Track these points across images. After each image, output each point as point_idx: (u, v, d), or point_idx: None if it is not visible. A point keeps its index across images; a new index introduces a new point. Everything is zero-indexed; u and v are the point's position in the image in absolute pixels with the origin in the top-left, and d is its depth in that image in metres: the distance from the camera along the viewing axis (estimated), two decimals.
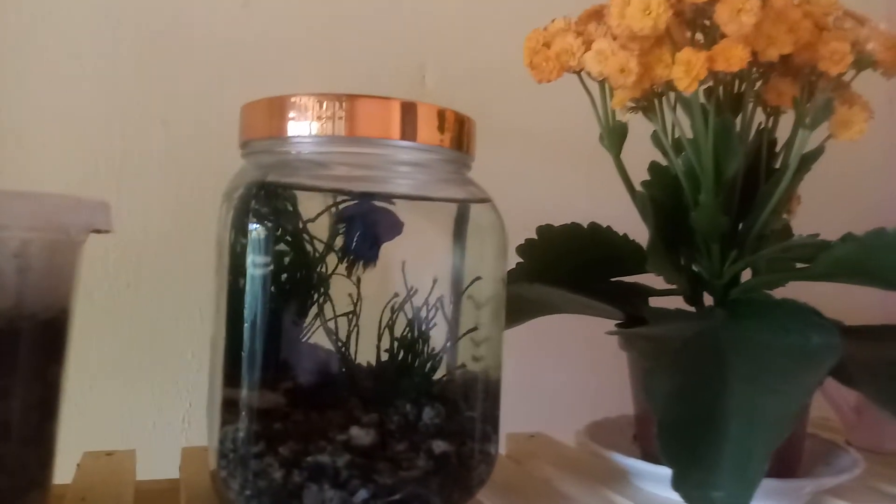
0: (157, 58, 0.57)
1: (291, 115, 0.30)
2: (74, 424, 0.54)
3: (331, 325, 0.32)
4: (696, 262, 0.40)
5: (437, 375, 0.34)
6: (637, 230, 0.44)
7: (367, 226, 0.30)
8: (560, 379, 0.65)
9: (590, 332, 0.66)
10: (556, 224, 0.44)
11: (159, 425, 0.56)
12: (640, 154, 0.42)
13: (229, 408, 0.30)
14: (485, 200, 0.33)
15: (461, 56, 0.63)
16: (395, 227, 0.30)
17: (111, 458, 0.40)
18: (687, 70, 0.33)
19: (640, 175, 0.43)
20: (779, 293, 0.41)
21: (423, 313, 0.34)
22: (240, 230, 0.29)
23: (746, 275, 0.41)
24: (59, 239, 0.24)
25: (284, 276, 0.30)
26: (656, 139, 0.41)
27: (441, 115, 0.31)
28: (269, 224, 0.29)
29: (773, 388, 0.31)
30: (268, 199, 0.29)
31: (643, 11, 0.32)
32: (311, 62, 0.60)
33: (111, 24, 0.57)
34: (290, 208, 0.29)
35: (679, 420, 0.30)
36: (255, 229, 0.29)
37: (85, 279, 0.54)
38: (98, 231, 0.25)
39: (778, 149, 0.42)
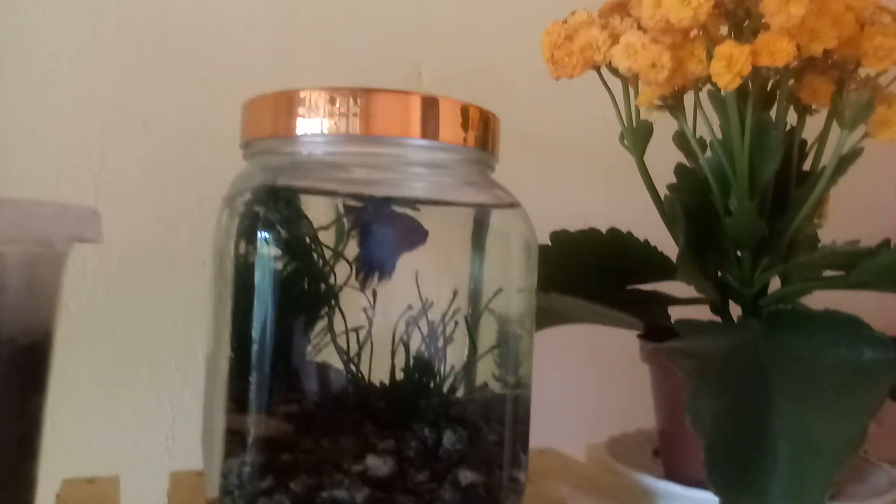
0: (137, 53, 0.54)
1: (300, 111, 0.27)
2: (50, 445, 0.50)
3: (341, 341, 0.30)
4: (724, 270, 0.38)
5: (457, 395, 0.31)
6: (651, 234, 0.42)
7: (385, 234, 0.27)
8: (562, 390, 0.63)
9: (594, 342, 0.64)
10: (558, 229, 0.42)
11: (141, 443, 0.52)
12: (655, 156, 0.39)
13: (233, 437, 0.26)
14: (513, 205, 0.30)
15: (459, 52, 0.61)
16: (418, 236, 0.27)
17: (93, 485, 0.37)
18: (728, 65, 0.30)
19: (656, 178, 0.40)
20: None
21: (441, 328, 0.31)
22: (247, 239, 0.26)
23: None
24: (41, 252, 0.21)
25: (297, 289, 0.27)
26: (681, 140, 0.39)
27: (465, 111, 0.29)
28: (281, 232, 0.26)
29: (823, 407, 0.29)
30: (279, 204, 0.26)
31: (682, 1, 0.30)
32: (301, 59, 0.57)
33: (90, 18, 0.53)
34: (302, 213, 0.26)
35: (727, 443, 0.28)
36: (265, 238, 0.26)
37: (63, 289, 0.51)
38: (86, 241, 0.22)
39: (806, 150, 0.40)
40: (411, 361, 0.30)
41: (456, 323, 0.31)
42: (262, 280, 0.26)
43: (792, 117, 0.38)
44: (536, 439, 0.50)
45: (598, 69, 0.37)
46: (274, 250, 0.26)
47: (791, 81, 0.36)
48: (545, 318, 0.41)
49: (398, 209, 0.28)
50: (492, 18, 0.62)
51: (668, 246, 0.40)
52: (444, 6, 0.61)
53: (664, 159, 0.40)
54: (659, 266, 0.40)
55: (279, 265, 0.26)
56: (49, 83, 0.53)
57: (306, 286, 0.27)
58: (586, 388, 0.63)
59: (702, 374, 0.28)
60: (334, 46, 0.58)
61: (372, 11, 0.59)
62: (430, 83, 0.60)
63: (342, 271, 0.29)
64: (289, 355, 0.26)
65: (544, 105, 0.60)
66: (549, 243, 0.42)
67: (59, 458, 0.41)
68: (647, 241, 0.41)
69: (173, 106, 0.54)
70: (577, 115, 0.59)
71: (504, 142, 0.63)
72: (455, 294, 0.30)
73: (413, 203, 0.28)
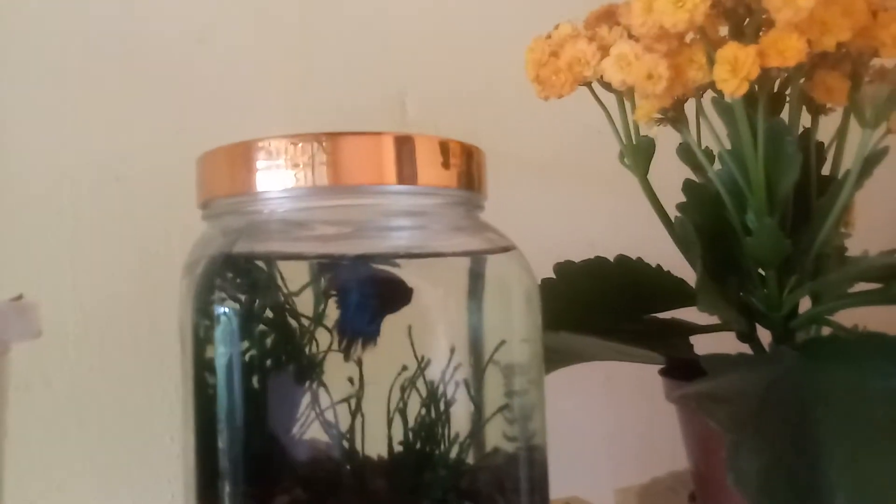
0: (105, 107, 0.51)
1: (260, 164, 0.24)
2: None
3: (329, 414, 0.26)
4: (747, 293, 0.34)
5: (465, 464, 0.28)
6: (663, 257, 0.39)
7: (364, 296, 0.24)
8: (581, 426, 0.59)
9: (611, 369, 0.61)
10: (564, 258, 0.39)
11: None
12: (661, 171, 0.36)
13: None
14: (507, 249, 0.27)
15: (444, 78, 0.58)
16: (402, 295, 0.24)
17: None
18: (734, 69, 0.27)
19: (663, 195, 0.37)
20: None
21: (441, 389, 0.28)
22: (203, 314, 0.23)
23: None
24: None
25: (265, 365, 0.23)
26: (685, 153, 0.36)
27: (444, 147, 0.26)
28: (241, 304, 0.23)
29: (882, 449, 0.25)
30: (237, 273, 0.23)
31: (675, 3, 0.27)
32: (279, 98, 0.55)
33: (53, 75, 0.51)
34: (266, 282, 0.23)
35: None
36: (223, 313, 0.23)
37: (43, 365, 0.48)
38: (15, 340, 0.19)
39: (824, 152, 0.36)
40: (410, 430, 0.27)
41: (457, 383, 0.27)
42: (223, 359, 0.22)
43: (804, 119, 0.35)
44: (559, 486, 0.47)
45: (589, 85, 0.33)
46: (234, 325, 0.23)
47: (801, 80, 0.33)
48: (556, 358, 0.37)
49: (378, 266, 0.24)
50: (476, 39, 0.59)
51: (683, 268, 0.36)
52: (425, 31, 0.58)
53: (671, 174, 0.36)
54: (675, 292, 0.37)
55: (242, 342, 0.23)
56: (13, 144, 0.50)
57: (277, 361, 0.24)
58: (607, 422, 0.59)
59: (740, 424, 0.25)
60: (312, 84, 0.55)
61: (349, 43, 0.56)
62: (416, 113, 0.57)
63: (324, 339, 0.26)
64: (263, 443, 0.23)
65: (539, 125, 0.57)
66: (554, 276, 0.38)
67: None
68: (659, 267, 0.37)
69: (146, 160, 0.51)
70: (574, 133, 0.56)
71: (499, 168, 0.60)
72: (453, 351, 0.27)
73: (392, 258, 0.24)
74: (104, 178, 0.50)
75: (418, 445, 0.27)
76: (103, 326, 0.49)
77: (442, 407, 0.28)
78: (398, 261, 0.25)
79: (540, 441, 0.29)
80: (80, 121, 0.51)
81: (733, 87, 0.27)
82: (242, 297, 0.23)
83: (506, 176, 0.58)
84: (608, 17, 0.34)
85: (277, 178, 0.24)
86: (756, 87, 0.30)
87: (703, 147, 0.35)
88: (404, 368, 0.27)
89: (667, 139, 0.36)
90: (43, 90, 0.51)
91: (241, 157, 0.25)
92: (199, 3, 0.53)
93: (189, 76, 0.53)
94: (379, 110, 0.57)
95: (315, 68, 0.55)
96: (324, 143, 0.24)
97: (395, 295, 0.24)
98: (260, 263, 0.23)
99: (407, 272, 0.25)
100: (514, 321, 0.27)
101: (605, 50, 0.32)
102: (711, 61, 0.29)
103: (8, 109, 0.50)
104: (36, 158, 0.50)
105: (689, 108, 0.35)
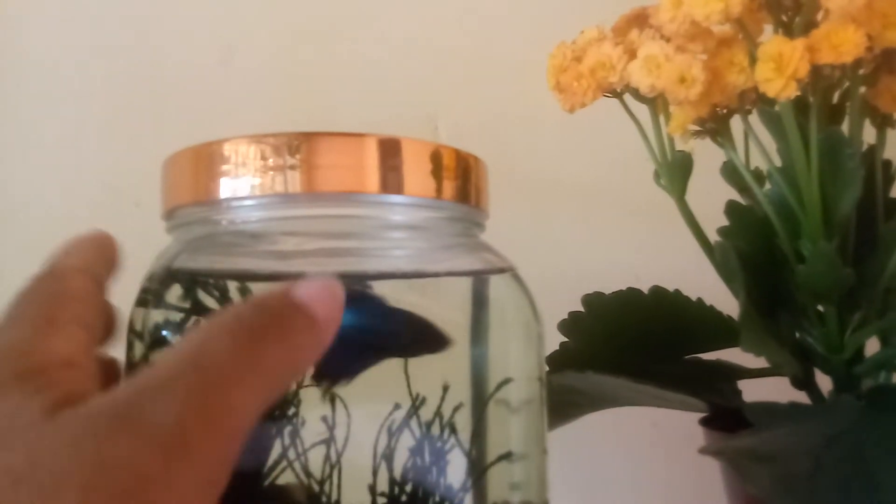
0: (126, 131, 0.50)
1: (225, 168, 0.21)
2: None
3: (303, 459, 0.23)
4: (802, 332, 0.30)
5: None
6: (708, 292, 0.34)
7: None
8: (626, 474, 0.54)
9: (658, 415, 0.56)
10: (607, 291, 0.35)
11: None
12: (703, 194, 0.32)
13: None
14: (504, 270, 0.23)
15: (478, 102, 0.55)
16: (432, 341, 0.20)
17: None
18: (779, 67, 0.23)
19: (707, 221, 0.33)
20: None
21: (435, 432, 0.24)
22: (133, 331, 0.20)
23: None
24: None
25: None
26: (730, 172, 0.32)
27: (436, 155, 0.22)
28: (174, 325, 0.20)
29: None
30: (174, 295, 0.20)
31: None
32: (304, 120, 0.52)
33: (74, 98, 0.50)
34: (217, 305, 0.20)
35: None
36: (163, 338, 0.20)
37: None
38: None
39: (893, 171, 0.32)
40: (397, 481, 0.23)
41: (451, 428, 0.24)
42: None
43: (868, 133, 0.31)
44: None
45: (618, 95, 0.30)
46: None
47: (862, 89, 0.29)
48: (583, 402, 0.33)
49: (357, 289, 0.21)
50: (509, 63, 0.56)
51: (730, 303, 0.32)
52: (459, 54, 0.55)
53: (716, 199, 0.32)
54: (719, 330, 0.32)
55: None
56: (32, 168, 0.49)
57: None
58: (653, 475, 0.54)
59: (788, 489, 0.20)
60: (338, 106, 0.53)
61: (381, 66, 0.54)
62: (447, 137, 0.54)
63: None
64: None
65: (575, 150, 0.54)
66: (582, 309, 0.34)
67: None
68: (700, 300, 0.33)
69: None
70: (614, 158, 0.53)
71: (536, 195, 0.56)
72: (446, 389, 0.23)
73: (362, 279, 0.21)
74: (123, 202, 0.49)
75: (404, 498, 0.24)
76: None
77: (434, 454, 0.24)
78: (370, 283, 0.21)
79: (539, 497, 0.24)
80: (101, 145, 0.50)
81: (778, 88, 0.23)
82: (185, 323, 0.20)
83: (545, 204, 0.54)
84: (640, 20, 0.31)
85: (243, 185, 0.21)
86: (808, 91, 0.26)
87: (751, 167, 0.31)
88: (397, 407, 0.24)
89: (710, 159, 0.32)
90: (63, 113, 0.50)
91: (205, 160, 0.22)
92: (221, 23, 0.52)
93: (211, 98, 0.52)
94: (410, 134, 0.54)
95: (342, 92, 0.54)
96: (297, 145, 0.21)
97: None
98: (216, 282, 0.20)
99: (397, 296, 0.22)
100: (512, 355, 0.24)
101: (632, 53, 0.28)
102: (754, 63, 0.25)
103: (29, 132, 0.50)
104: (55, 181, 0.49)
105: (737, 128, 0.31)
